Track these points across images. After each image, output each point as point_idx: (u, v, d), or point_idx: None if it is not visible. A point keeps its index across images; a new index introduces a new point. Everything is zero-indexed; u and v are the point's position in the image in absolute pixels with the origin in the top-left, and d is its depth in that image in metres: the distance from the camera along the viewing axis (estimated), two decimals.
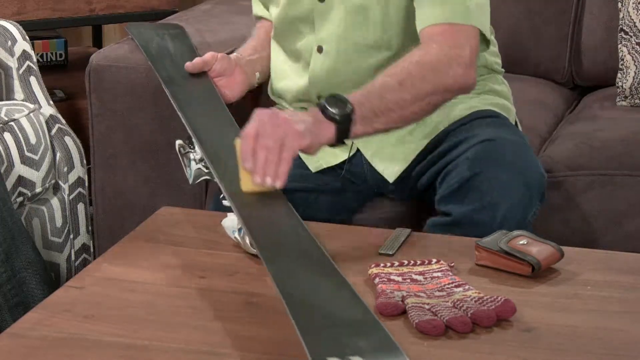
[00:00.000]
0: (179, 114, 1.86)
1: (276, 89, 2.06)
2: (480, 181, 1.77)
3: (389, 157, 1.93)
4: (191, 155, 1.79)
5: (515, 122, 2.06)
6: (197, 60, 1.98)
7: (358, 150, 1.96)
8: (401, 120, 1.75)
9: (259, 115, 1.59)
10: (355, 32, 1.91)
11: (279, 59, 2.05)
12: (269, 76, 2.10)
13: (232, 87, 2.00)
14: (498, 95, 2.02)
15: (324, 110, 1.64)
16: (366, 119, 1.68)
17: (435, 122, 1.92)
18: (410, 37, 1.88)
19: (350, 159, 1.96)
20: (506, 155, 1.81)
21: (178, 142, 1.81)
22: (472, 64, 1.80)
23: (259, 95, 2.27)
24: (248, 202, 1.60)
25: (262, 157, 1.56)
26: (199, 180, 1.79)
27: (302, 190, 1.94)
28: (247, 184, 1.60)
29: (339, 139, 1.66)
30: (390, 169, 1.93)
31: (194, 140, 1.78)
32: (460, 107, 1.93)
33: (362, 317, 1.36)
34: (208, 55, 1.99)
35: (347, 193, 2.00)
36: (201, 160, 1.77)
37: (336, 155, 1.97)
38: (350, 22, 1.91)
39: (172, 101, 1.91)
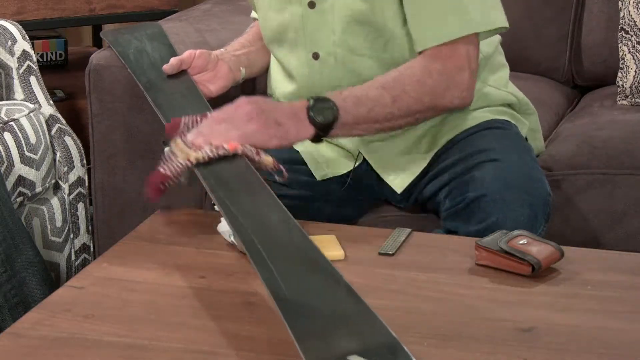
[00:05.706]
0: (162, 120, 1.85)
1: (272, 90, 2.06)
2: (486, 202, 1.77)
3: (397, 167, 1.92)
4: None
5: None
6: (174, 61, 1.95)
7: (364, 159, 1.95)
8: (382, 130, 1.80)
9: (239, 103, 1.62)
10: (351, 39, 1.88)
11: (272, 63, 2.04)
12: (256, 72, 2.09)
13: (215, 81, 1.97)
14: (508, 106, 2.01)
15: (308, 112, 1.68)
16: (347, 125, 1.73)
17: (443, 132, 1.91)
18: (407, 42, 1.87)
19: (355, 168, 1.96)
20: (512, 176, 1.80)
21: (166, 149, 1.80)
22: (471, 87, 1.82)
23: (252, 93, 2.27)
24: (238, 207, 1.58)
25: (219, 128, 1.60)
26: (191, 183, 1.78)
27: (306, 198, 1.94)
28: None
29: (315, 139, 1.70)
30: (398, 180, 1.91)
31: None
32: (469, 118, 1.92)
33: (360, 314, 1.34)
34: (186, 53, 1.97)
35: (351, 202, 1.99)
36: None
37: (343, 165, 1.96)
38: (344, 30, 1.87)
39: (154, 108, 1.89)
